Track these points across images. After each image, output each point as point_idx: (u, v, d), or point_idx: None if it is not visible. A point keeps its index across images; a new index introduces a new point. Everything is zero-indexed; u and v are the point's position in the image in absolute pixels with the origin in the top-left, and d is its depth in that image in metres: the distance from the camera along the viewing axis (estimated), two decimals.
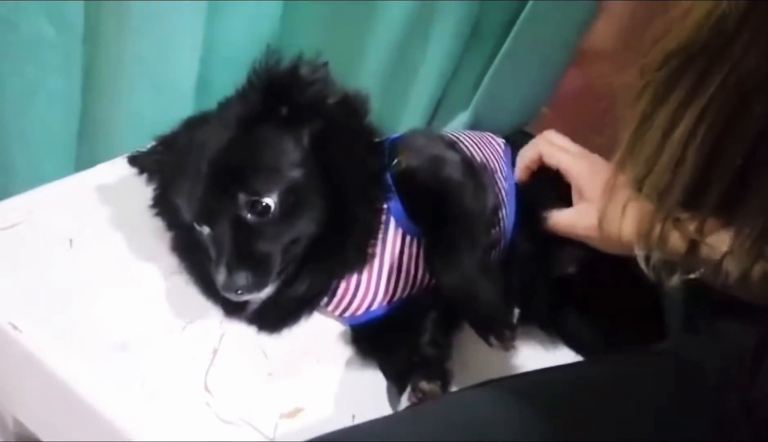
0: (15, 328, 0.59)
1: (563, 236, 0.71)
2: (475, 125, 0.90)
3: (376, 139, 0.69)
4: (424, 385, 0.58)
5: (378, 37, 0.90)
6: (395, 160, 0.67)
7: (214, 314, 0.66)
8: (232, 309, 0.65)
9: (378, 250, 0.66)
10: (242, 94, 0.63)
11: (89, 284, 0.65)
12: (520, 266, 0.75)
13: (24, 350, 0.59)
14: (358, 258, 0.65)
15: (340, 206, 0.62)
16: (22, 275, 0.63)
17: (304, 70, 0.62)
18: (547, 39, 0.84)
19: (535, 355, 0.73)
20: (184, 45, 0.87)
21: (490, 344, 0.59)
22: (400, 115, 0.95)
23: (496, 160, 0.76)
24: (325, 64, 0.63)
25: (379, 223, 0.65)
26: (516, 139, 0.95)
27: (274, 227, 0.60)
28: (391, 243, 0.66)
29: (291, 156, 0.61)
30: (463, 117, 0.91)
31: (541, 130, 0.97)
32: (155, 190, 0.67)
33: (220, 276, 0.58)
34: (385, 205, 0.65)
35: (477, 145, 0.76)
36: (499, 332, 0.59)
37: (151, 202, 0.67)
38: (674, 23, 0.45)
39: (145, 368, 0.60)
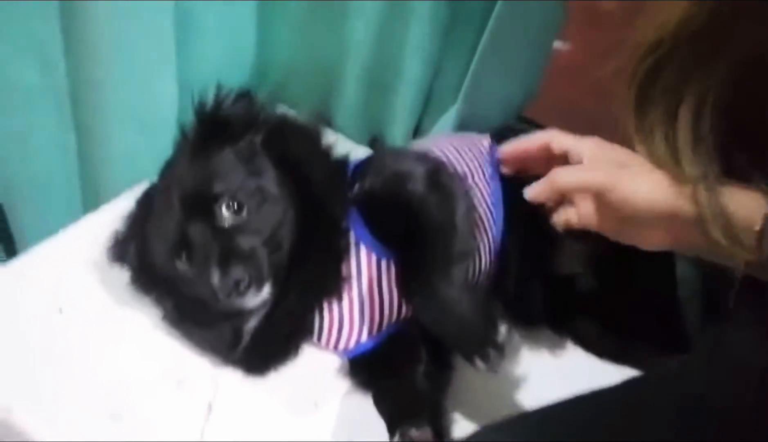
0: (6, 410, 0.60)
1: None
2: (466, 117, 0.86)
3: (335, 159, 0.67)
4: (413, 433, 0.57)
5: (356, 38, 0.87)
6: (357, 184, 0.65)
7: (207, 368, 0.66)
8: (227, 350, 0.64)
9: (353, 276, 0.64)
10: (181, 141, 0.66)
11: (81, 353, 0.65)
12: (515, 268, 0.72)
13: (19, 432, 0.60)
14: (332, 280, 0.63)
15: (312, 207, 0.62)
16: (12, 351, 0.64)
17: (227, 100, 0.65)
18: (531, 19, 0.79)
19: (541, 361, 0.71)
20: (159, 78, 0.86)
21: (476, 367, 0.57)
22: (390, 115, 0.91)
23: (477, 162, 0.72)
24: (248, 92, 0.66)
25: (346, 242, 0.63)
26: (515, 127, 0.91)
27: (251, 224, 0.60)
28: (366, 269, 0.64)
29: (248, 162, 0.62)
30: (453, 111, 0.86)
31: (538, 112, 0.93)
32: (131, 264, 0.66)
33: (215, 277, 0.57)
34: (347, 227, 0.63)
35: (455, 150, 0.73)
36: (484, 353, 0.56)
37: (129, 283, 0.66)
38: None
39: (142, 436, 0.60)
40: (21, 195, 1.03)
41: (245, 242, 0.59)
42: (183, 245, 0.60)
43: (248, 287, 0.57)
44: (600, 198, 0.57)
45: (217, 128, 0.64)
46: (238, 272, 0.57)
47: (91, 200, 1.03)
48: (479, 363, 0.56)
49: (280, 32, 0.92)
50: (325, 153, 0.67)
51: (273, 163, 0.63)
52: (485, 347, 0.56)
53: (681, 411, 0.49)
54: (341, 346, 0.66)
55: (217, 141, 0.63)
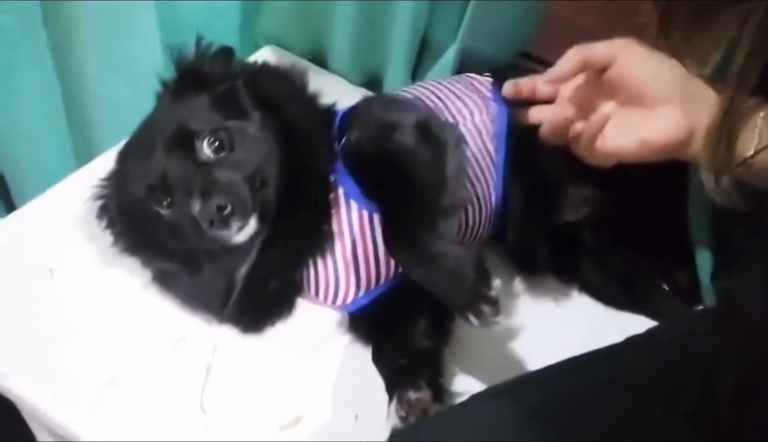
0: (4, 376, 0.59)
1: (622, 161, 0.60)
2: (464, 59, 0.81)
3: (321, 107, 0.65)
4: (411, 395, 0.56)
5: None
6: (344, 138, 0.62)
7: (205, 327, 0.64)
8: (220, 301, 0.62)
9: (345, 232, 0.61)
10: (161, 93, 0.64)
11: (74, 316, 0.64)
12: (518, 215, 0.70)
13: (18, 397, 0.59)
14: (317, 235, 0.61)
15: (296, 150, 0.60)
16: (4, 316, 0.63)
17: (208, 53, 0.63)
18: None
19: (545, 310, 0.70)
20: (137, 22, 0.83)
21: (470, 323, 0.54)
22: (386, 55, 0.86)
23: (477, 104, 0.69)
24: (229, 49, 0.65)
25: (332, 196, 0.61)
26: (517, 64, 0.86)
27: (233, 160, 0.58)
28: (358, 224, 0.61)
29: (228, 105, 0.60)
30: (450, 53, 0.81)
31: (543, 49, 0.88)
32: (114, 224, 0.64)
33: (195, 207, 0.55)
34: (334, 180, 0.61)
35: (452, 94, 0.69)
36: (476, 308, 0.53)
37: (112, 241, 0.64)
38: None
39: (139, 398, 0.59)
40: (11, 147, 1.01)
41: (228, 175, 0.57)
42: (161, 183, 0.58)
43: (232, 214, 0.55)
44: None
45: (197, 79, 0.61)
46: (219, 198, 0.55)
47: (81, 149, 1.01)
48: (472, 319, 0.54)
49: None
50: (311, 100, 0.64)
51: (256, 107, 0.60)
52: (477, 303, 0.53)
53: (684, 375, 0.48)
54: (339, 301, 0.65)
55: (195, 88, 0.61)
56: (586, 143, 0.58)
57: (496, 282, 0.55)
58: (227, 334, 0.64)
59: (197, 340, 0.64)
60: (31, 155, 1.02)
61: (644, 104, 0.57)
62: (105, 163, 0.66)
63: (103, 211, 0.64)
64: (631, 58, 0.58)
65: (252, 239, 0.58)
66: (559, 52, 0.62)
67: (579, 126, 0.59)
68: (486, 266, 0.56)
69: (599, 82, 0.60)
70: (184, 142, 0.58)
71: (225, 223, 0.55)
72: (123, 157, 0.63)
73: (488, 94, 0.70)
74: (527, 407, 0.45)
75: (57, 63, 0.93)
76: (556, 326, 0.68)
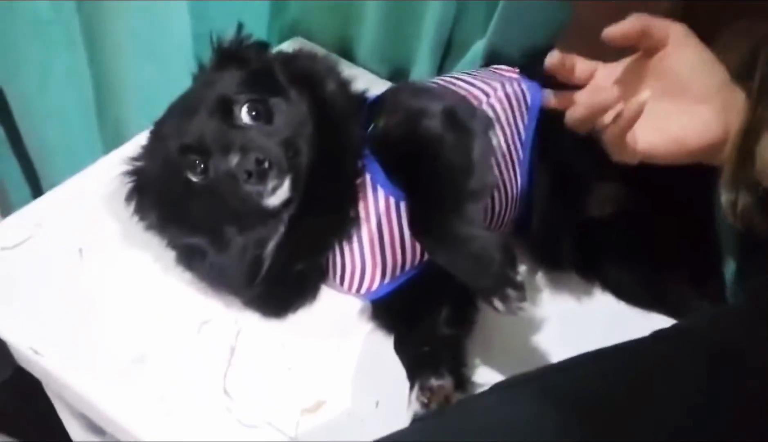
0: (36, 352, 0.61)
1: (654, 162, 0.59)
2: (492, 54, 0.81)
3: (353, 92, 0.65)
4: (433, 382, 0.56)
5: None
6: (372, 125, 0.63)
7: (229, 311, 0.65)
8: (246, 281, 0.62)
9: (372, 218, 0.62)
10: (198, 75, 0.67)
11: (102, 295, 0.65)
12: (543, 208, 0.70)
13: (48, 372, 0.61)
14: (343, 219, 0.62)
15: (329, 127, 0.61)
16: (36, 295, 0.64)
17: (246, 42, 0.66)
18: None
19: (567, 307, 0.70)
20: (169, 10, 0.84)
21: (495, 309, 0.54)
22: (413, 49, 0.87)
23: (504, 80, 0.69)
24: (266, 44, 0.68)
25: (360, 181, 0.61)
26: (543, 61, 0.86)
27: (269, 128, 0.60)
28: (384, 210, 0.62)
29: (265, 80, 0.62)
30: (478, 47, 0.81)
31: (569, 45, 0.87)
32: (143, 200, 0.65)
33: (234, 159, 0.56)
34: (363, 165, 0.61)
35: (478, 77, 0.70)
36: (502, 292, 0.53)
37: (137, 217, 0.65)
38: None
39: (164, 378, 0.60)
40: (41, 131, 1.03)
41: (264, 139, 0.59)
42: (197, 143, 0.59)
43: (269, 169, 0.56)
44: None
45: (234, 59, 0.63)
46: (257, 152, 0.56)
47: (109, 134, 1.03)
48: (498, 304, 0.53)
49: None
50: (344, 82, 0.65)
51: (289, 83, 0.62)
52: (503, 287, 0.53)
53: (712, 368, 0.47)
54: (363, 289, 0.65)
55: (234, 65, 0.63)
56: (618, 133, 0.57)
57: (522, 268, 0.53)
58: (251, 319, 0.65)
59: (221, 324, 0.65)
60: (59, 140, 1.04)
61: (684, 99, 0.56)
62: (133, 147, 0.67)
63: (132, 191, 0.64)
64: (686, 48, 0.57)
65: (284, 205, 0.59)
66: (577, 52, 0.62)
67: (610, 114, 0.56)
68: (513, 251, 0.55)
69: (643, 66, 0.58)
70: (223, 108, 0.59)
71: (262, 177, 0.56)
72: (157, 128, 0.64)
73: (516, 75, 0.71)
74: (553, 396, 0.45)
75: (89, 50, 0.94)
76: (577, 322, 0.68)
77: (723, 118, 0.55)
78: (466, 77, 0.70)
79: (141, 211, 0.65)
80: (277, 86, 0.62)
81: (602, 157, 0.66)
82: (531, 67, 0.72)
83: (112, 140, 1.02)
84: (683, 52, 0.56)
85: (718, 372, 0.47)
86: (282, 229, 0.60)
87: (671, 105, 0.57)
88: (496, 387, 0.49)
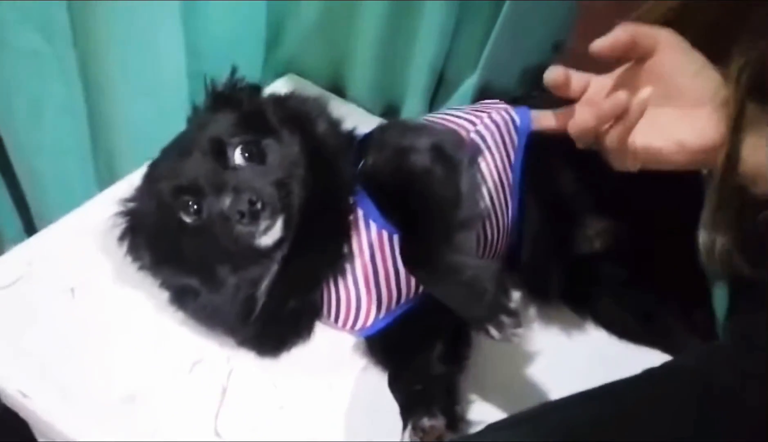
0: (24, 395, 0.60)
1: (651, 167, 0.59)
2: (484, 88, 0.83)
3: (344, 130, 0.67)
4: (425, 423, 0.56)
5: (370, 10, 0.83)
6: (362, 161, 0.64)
7: (221, 350, 0.65)
8: (239, 321, 0.63)
9: (366, 253, 0.62)
10: (192, 117, 0.68)
11: (94, 335, 0.65)
12: (533, 241, 0.70)
13: (35, 415, 0.60)
14: (335, 255, 0.62)
15: (320, 166, 0.62)
16: (26, 336, 0.64)
17: (240, 85, 0.67)
18: None
19: (558, 341, 0.70)
20: (164, 47, 0.85)
21: (491, 337, 0.54)
22: (405, 85, 0.88)
23: (491, 110, 0.70)
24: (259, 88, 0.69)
25: (352, 217, 0.62)
26: (532, 95, 0.87)
27: (262, 170, 0.60)
28: (377, 244, 0.62)
29: (258, 122, 0.63)
30: (470, 83, 0.83)
31: None
32: (136, 241, 0.65)
33: (226, 200, 0.57)
34: (354, 202, 0.62)
35: (466, 109, 0.71)
36: (497, 320, 0.53)
37: (130, 257, 0.65)
38: None
39: (154, 418, 0.60)
40: (34, 164, 1.03)
41: (257, 179, 0.59)
42: (191, 185, 0.59)
43: (262, 210, 0.57)
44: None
45: (227, 101, 0.65)
46: (250, 194, 0.57)
47: (103, 168, 1.03)
48: (493, 332, 0.53)
49: (291, 7, 0.90)
50: (334, 122, 0.66)
51: (283, 124, 0.63)
52: (498, 314, 0.53)
53: (703, 406, 0.47)
54: (358, 325, 0.65)
55: (227, 108, 0.64)
56: (621, 136, 0.57)
57: (516, 295, 0.53)
58: (243, 358, 0.65)
59: (214, 363, 0.64)
60: (53, 173, 1.04)
61: (680, 103, 0.56)
62: (127, 186, 0.68)
63: (126, 231, 0.65)
64: (676, 53, 0.57)
65: (276, 245, 0.59)
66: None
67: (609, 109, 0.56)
68: (504, 279, 0.55)
69: (636, 75, 0.59)
70: (217, 150, 0.60)
71: (255, 217, 0.57)
72: (151, 170, 0.65)
73: (503, 104, 0.72)
74: (547, 435, 0.45)
75: (84, 83, 0.95)
76: (569, 356, 0.68)
77: (720, 119, 0.54)
78: (453, 112, 0.71)
79: (134, 251, 0.65)
80: (269, 127, 0.63)
81: (593, 188, 0.67)
82: (521, 100, 0.73)
83: (105, 174, 1.02)
84: (674, 58, 0.57)
85: (710, 410, 0.47)
86: (275, 268, 0.61)
87: (668, 110, 0.57)
88: (490, 428, 0.48)
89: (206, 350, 0.65)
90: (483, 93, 0.82)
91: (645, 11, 0.57)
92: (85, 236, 0.71)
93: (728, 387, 0.48)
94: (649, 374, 0.51)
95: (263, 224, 0.57)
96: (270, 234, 0.58)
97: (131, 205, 0.65)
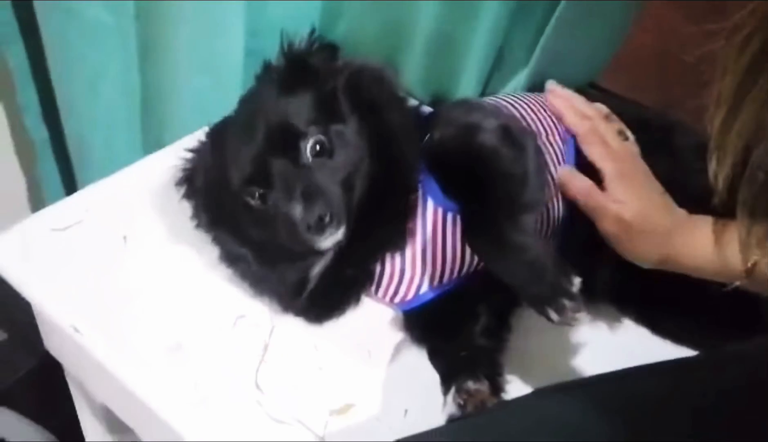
0: (76, 330, 0.62)
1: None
2: (535, 84, 0.84)
3: (411, 109, 0.67)
4: (470, 385, 0.56)
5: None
6: (427, 135, 0.64)
7: (265, 308, 0.66)
8: (290, 296, 0.64)
9: (418, 228, 0.63)
10: (262, 78, 0.66)
11: (143, 282, 0.66)
12: (581, 240, 0.70)
13: (86, 351, 0.61)
14: (398, 233, 0.63)
15: (387, 154, 0.62)
16: (80, 276, 0.66)
17: (313, 45, 0.66)
18: None
19: (599, 332, 0.70)
20: (225, 25, 0.86)
21: (550, 319, 0.54)
22: (458, 76, 0.89)
23: (550, 121, 0.71)
24: (334, 45, 0.68)
25: (416, 197, 0.62)
26: (583, 92, 0.88)
27: (329, 165, 0.60)
28: (431, 222, 0.63)
29: (331, 106, 0.62)
30: (522, 76, 0.84)
31: (611, 81, 0.89)
32: (197, 198, 0.66)
33: (297, 210, 0.57)
34: (419, 181, 0.62)
35: (528, 107, 0.72)
36: (558, 303, 0.53)
37: (191, 216, 0.66)
38: None
39: (198, 367, 0.61)
40: (85, 131, 1.06)
41: (325, 180, 0.59)
42: (261, 177, 0.60)
43: (330, 223, 0.57)
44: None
45: (303, 70, 0.64)
46: (321, 207, 0.57)
47: (151, 140, 1.05)
48: (553, 314, 0.53)
49: None
50: (404, 105, 0.66)
51: (352, 109, 0.62)
52: (559, 297, 0.53)
53: (738, 393, 0.47)
54: (398, 298, 0.66)
55: (302, 82, 0.63)
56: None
57: (577, 280, 0.53)
58: (286, 318, 0.66)
59: (257, 320, 0.66)
60: (102, 145, 1.06)
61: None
62: (179, 150, 0.69)
63: (187, 183, 0.66)
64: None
65: (337, 244, 0.60)
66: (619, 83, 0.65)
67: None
68: (566, 263, 0.55)
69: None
70: (289, 140, 0.60)
71: (321, 230, 0.57)
72: (218, 134, 0.65)
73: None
74: (599, 398, 0.45)
75: (141, 57, 0.98)
76: (608, 346, 0.68)
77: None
78: (510, 99, 0.72)
79: (193, 206, 0.66)
80: (341, 113, 0.62)
81: None
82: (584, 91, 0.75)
83: (153, 147, 1.04)
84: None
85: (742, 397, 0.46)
86: (330, 256, 0.62)
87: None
88: (538, 391, 0.49)
89: (250, 307, 0.66)
90: (536, 85, 0.83)
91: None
92: (140, 189, 0.74)
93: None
94: (706, 356, 0.50)
95: (328, 233, 0.58)
96: (331, 239, 0.59)
97: (192, 164, 0.66)
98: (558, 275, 0.53)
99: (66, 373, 0.80)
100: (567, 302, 0.52)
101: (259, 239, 0.63)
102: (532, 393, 0.49)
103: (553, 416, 0.44)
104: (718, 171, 0.46)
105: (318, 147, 0.60)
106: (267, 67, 0.66)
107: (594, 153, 0.68)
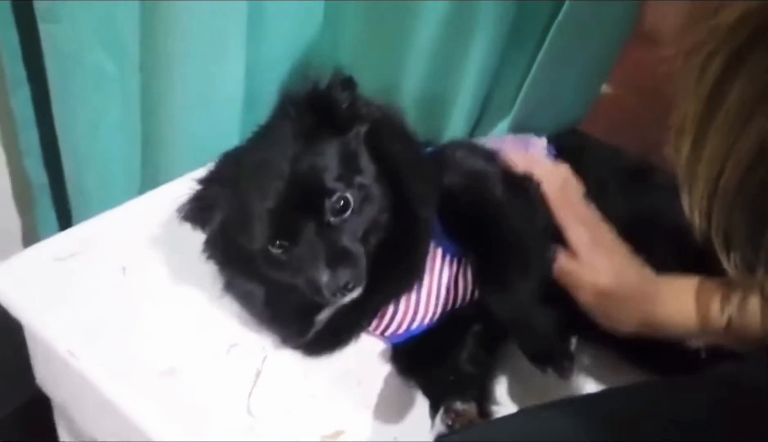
0: (72, 355, 0.63)
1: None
2: (518, 130, 0.88)
3: (427, 159, 0.69)
4: (458, 405, 0.57)
5: (418, 43, 0.89)
6: (434, 180, 0.66)
7: (258, 337, 0.68)
8: (292, 337, 0.66)
9: None
10: (283, 116, 0.64)
11: (141, 310, 0.68)
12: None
13: (81, 376, 0.62)
14: (409, 281, 0.64)
15: (402, 206, 0.63)
16: (79, 303, 0.67)
17: (338, 84, 0.63)
18: (590, 37, 0.81)
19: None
20: (227, 64, 0.90)
21: (545, 373, 0.58)
22: (445, 124, 0.94)
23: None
24: (351, 77, 0.64)
25: (428, 249, 0.64)
26: (562, 137, 0.92)
27: (352, 222, 0.61)
28: (430, 261, 0.65)
29: (355, 157, 0.62)
30: (506, 122, 0.88)
31: (593, 126, 0.94)
32: (207, 230, 0.66)
33: (324, 276, 0.58)
34: (431, 239, 0.64)
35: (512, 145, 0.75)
36: (558, 364, 0.58)
37: (203, 248, 0.66)
38: None
39: (192, 392, 0.62)
40: (84, 172, 1.07)
41: (348, 241, 0.60)
42: (285, 233, 0.60)
43: (353, 288, 0.59)
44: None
45: (325, 112, 0.62)
46: (346, 274, 0.58)
47: (148, 179, 1.07)
48: (552, 373, 0.58)
49: (343, 37, 0.96)
50: (420, 157, 0.68)
51: (372, 160, 0.63)
52: (561, 360, 0.58)
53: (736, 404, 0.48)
54: (389, 332, 0.68)
55: (324, 126, 0.62)
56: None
57: (573, 340, 0.60)
58: (278, 347, 0.68)
59: (250, 348, 0.67)
60: (99, 186, 1.08)
61: None
62: (175, 189, 0.68)
63: (201, 213, 0.64)
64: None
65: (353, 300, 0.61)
66: (601, 128, 0.67)
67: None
68: (568, 325, 0.60)
69: None
70: (316, 198, 0.60)
71: (344, 295, 0.59)
72: (234, 168, 0.64)
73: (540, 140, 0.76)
74: (585, 414, 0.45)
75: (143, 106, 1.01)
76: (605, 375, 0.69)
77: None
78: (497, 142, 0.76)
79: (207, 244, 0.66)
80: (362, 164, 0.62)
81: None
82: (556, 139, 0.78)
83: (150, 186, 1.07)
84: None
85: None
86: (339, 305, 0.63)
87: None
88: (526, 409, 0.50)
89: (244, 336, 0.68)
90: (518, 132, 0.87)
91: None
92: (137, 225, 0.76)
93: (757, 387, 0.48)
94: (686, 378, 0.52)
95: (348, 295, 0.59)
96: (349, 297, 0.60)
97: (207, 194, 0.64)
98: (560, 342, 0.58)
99: (54, 408, 0.80)
100: (566, 363, 0.57)
101: (272, 279, 0.64)
102: (519, 411, 0.51)
103: (543, 432, 0.45)
104: (692, 204, 0.44)
105: (342, 202, 0.60)
106: (286, 101, 0.64)
107: (561, 217, 0.66)
